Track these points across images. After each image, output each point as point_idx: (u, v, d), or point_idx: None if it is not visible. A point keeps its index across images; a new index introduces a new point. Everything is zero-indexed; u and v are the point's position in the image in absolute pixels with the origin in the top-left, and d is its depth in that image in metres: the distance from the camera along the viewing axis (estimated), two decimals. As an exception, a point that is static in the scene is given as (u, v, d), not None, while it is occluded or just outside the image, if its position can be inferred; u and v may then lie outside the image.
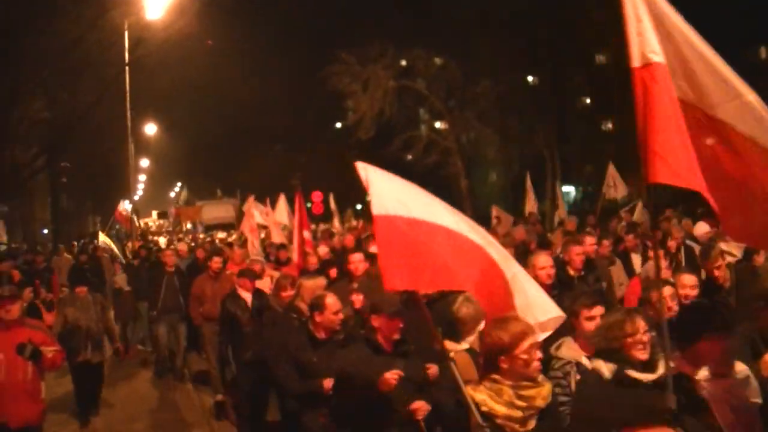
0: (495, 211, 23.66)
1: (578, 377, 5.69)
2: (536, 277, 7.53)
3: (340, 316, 7.38)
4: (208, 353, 13.30)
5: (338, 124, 61.82)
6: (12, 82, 25.32)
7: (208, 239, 31.82)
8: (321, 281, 8.87)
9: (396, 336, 6.50)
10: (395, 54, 41.42)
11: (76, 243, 34.53)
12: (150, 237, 47.84)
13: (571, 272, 9.67)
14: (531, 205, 24.64)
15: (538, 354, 4.67)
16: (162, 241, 38.50)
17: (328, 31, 46.57)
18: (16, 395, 7.98)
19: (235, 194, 49.72)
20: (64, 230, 47.76)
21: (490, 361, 4.64)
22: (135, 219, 36.31)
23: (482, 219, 32.87)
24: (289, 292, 9.37)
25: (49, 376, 13.32)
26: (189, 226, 55.68)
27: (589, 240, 11.28)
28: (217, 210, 49.17)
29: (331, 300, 7.30)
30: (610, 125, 60.46)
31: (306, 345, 7.38)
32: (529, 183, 25.09)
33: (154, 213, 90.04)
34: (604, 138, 58.51)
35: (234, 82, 58.88)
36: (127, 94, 30.64)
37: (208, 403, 13.37)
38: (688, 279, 8.05)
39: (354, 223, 29.50)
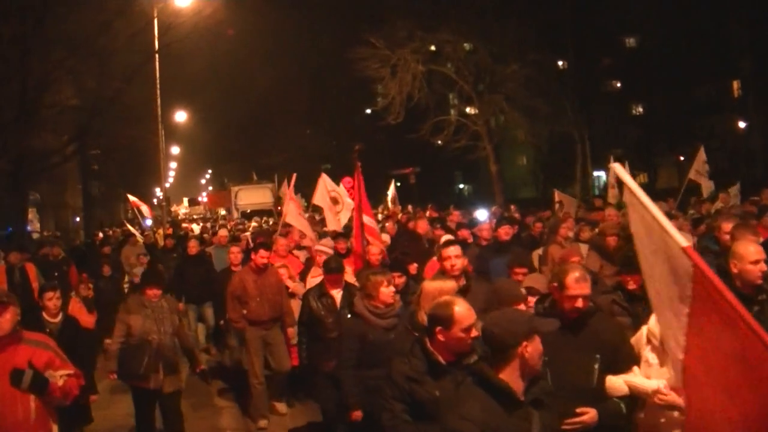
0: (557, 196, 22.52)
1: None
2: (741, 273, 5.93)
3: (474, 332, 4.97)
4: (253, 364, 10.85)
5: (368, 111, 61.72)
6: (41, 67, 25.44)
7: (240, 227, 31.29)
8: (449, 285, 6.21)
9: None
10: (423, 38, 41.23)
11: (102, 233, 33.78)
12: (184, 224, 47.29)
13: None
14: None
15: None
16: (196, 228, 37.80)
17: (356, 14, 46.37)
18: None
19: (272, 178, 48.00)
20: (95, 217, 48.16)
21: None
22: (166, 206, 36.42)
23: (511, 203, 32.75)
24: (387, 290, 7.25)
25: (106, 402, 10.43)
26: (223, 212, 55.10)
27: None
28: (253, 195, 47.00)
29: (462, 309, 5.01)
30: (640, 109, 60.16)
31: (424, 374, 5.21)
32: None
33: (186, 200, 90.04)
34: (634, 122, 58.32)
35: (262, 67, 59.08)
36: (157, 81, 30.74)
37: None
38: None
39: (395, 208, 28.43)
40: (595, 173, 52.33)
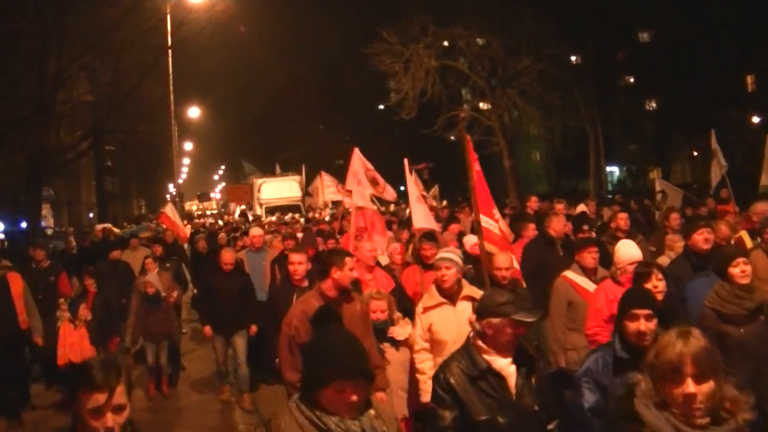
0: (659, 184, 19.89)
1: None
2: None
3: None
4: None
5: (381, 106, 61.62)
6: (56, 64, 25.53)
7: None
8: None
9: None
10: (436, 33, 41.11)
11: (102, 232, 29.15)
12: (198, 220, 46.11)
13: None
14: None
15: None
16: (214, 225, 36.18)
17: (370, 9, 46.27)
18: None
19: (299, 169, 44.25)
20: (109, 213, 48.29)
21: None
22: (179, 202, 36.28)
23: (525, 197, 32.66)
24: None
25: None
26: (241, 207, 51.10)
27: None
28: (279, 188, 43.47)
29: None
30: (654, 103, 60.00)
31: None
32: None
33: (198, 195, 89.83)
34: (647, 116, 58.17)
35: (276, 63, 59.10)
36: (170, 77, 30.83)
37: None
38: None
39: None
40: (608, 168, 52.09)
